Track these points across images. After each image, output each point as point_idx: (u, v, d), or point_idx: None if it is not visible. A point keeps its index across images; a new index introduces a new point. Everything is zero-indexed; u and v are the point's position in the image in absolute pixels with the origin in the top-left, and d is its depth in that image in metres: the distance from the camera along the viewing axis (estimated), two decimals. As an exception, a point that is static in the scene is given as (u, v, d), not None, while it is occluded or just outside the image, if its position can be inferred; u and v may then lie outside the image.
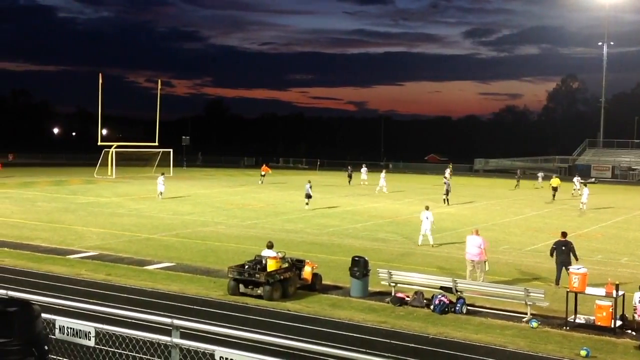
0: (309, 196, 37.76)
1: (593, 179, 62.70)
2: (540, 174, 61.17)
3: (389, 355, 13.14)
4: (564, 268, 18.92)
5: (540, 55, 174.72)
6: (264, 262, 17.87)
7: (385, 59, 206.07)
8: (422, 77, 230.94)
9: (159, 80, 69.78)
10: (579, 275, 16.05)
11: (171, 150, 66.55)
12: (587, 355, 13.43)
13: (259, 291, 17.28)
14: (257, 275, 17.43)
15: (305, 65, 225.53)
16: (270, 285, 17.22)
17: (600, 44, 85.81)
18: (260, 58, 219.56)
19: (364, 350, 13.34)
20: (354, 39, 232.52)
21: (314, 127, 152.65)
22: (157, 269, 20.93)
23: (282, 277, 17.64)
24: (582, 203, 39.11)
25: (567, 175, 69.76)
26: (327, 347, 9.74)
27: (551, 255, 19.79)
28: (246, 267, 17.96)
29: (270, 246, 18.53)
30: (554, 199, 45.61)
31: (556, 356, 13.52)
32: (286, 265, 18.17)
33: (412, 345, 13.99)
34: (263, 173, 57.85)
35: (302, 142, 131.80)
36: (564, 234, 20.21)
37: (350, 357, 9.22)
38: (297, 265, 18.52)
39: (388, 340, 14.21)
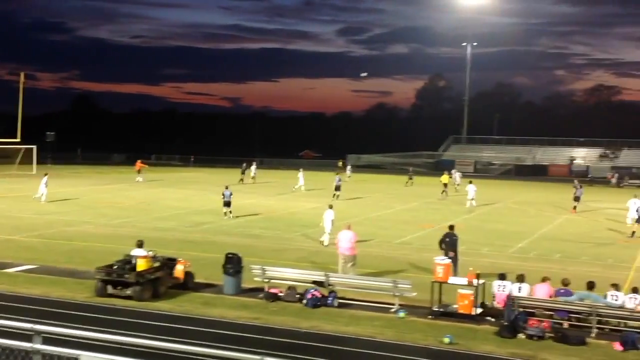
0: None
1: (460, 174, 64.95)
2: (457, 174, 55.72)
3: (262, 351, 13.18)
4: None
5: (410, 54, 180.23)
6: (133, 261, 17.40)
7: (261, 55, 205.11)
8: (297, 74, 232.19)
9: (22, 73, 65.91)
10: (443, 266, 16.79)
11: (35, 147, 63.35)
12: (450, 342, 14.07)
13: (129, 292, 16.81)
14: (126, 276, 16.95)
15: (179, 59, 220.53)
16: (140, 285, 16.80)
17: (464, 44, 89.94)
18: (131, 51, 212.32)
19: (236, 347, 13.30)
20: (228, 34, 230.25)
21: (188, 122, 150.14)
22: (18, 271, 19.86)
23: (152, 276, 17.25)
24: (469, 199, 40.37)
25: (435, 170, 72.32)
26: (199, 347, 9.61)
27: (440, 246, 20.44)
28: (115, 267, 17.42)
29: (140, 245, 18.05)
30: (444, 195, 45.69)
31: (421, 344, 14.07)
32: (157, 264, 17.79)
33: (285, 340, 14.11)
34: (136, 169, 56.27)
35: (176, 138, 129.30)
36: (451, 227, 21.09)
37: (222, 356, 9.16)
38: (169, 264, 18.19)
39: (261, 337, 14.24)
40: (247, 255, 19.77)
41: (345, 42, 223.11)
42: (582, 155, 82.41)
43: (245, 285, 18.15)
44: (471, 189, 40.42)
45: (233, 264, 18.04)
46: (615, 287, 16.39)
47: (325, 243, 25.32)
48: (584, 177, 69.31)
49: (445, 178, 47.19)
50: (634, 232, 30.49)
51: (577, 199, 40.09)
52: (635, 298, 15.78)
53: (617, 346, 14.23)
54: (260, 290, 17.77)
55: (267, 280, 17.88)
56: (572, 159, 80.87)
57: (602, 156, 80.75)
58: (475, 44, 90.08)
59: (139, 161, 58.47)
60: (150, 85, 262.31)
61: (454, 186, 50.63)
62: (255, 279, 18.02)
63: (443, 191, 46.08)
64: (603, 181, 67.02)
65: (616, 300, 15.87)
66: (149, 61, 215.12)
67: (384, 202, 43.01)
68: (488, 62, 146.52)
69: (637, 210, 30.93)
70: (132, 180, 54.00)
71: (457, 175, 53.76)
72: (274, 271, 18.16)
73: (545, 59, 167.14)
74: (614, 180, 64.79)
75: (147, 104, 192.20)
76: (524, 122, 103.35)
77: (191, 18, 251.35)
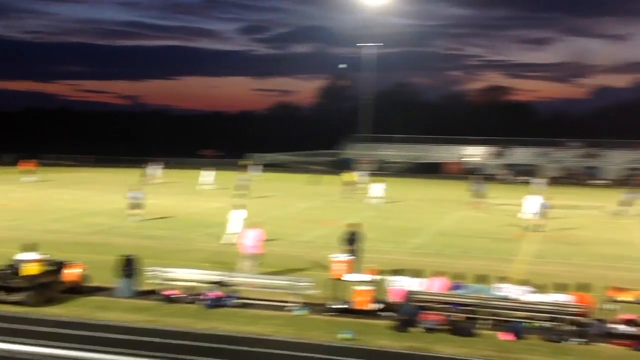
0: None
1: (365, 172, 65.43)
2: (364, 172, 55.72)
3: (158, 354, 12.93)
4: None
5: (312, 53, 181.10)
6: (22, 265, 16.66)
7: (160, 52, 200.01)
8: (198, 72, 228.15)
9: None
10: (341, 263, 17.01)
11: None
12: (349, 338, 14.26)
13: (17, 297, 16.09)
14: (14, 280, 16.23)
15: (75, 56, 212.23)
16: (30, 290, 16.12)
17: (364, 44, 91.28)
18: (24, 47, 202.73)
19: (131, 352, 13.01)
20: (127, 31, 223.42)
21: (85, 121, 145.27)
22: None
23: (43, 280, 16.59)
24: (375, 197, 40.76)
25: (337, 169, 73.10)
26: (91, 353, 9.33)
27: (345, 243, 20.70)
28: (2, 271, 16.64)
29: (30, 248, 17.31)
30: (349, 193, 45.99)
31: (321, 341, 14.18)
32: (49, 267, 17.12)
33: (182, 342, 13.88)
34: (27, 170, 53.94)
35: (72, 137, 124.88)
36: (356, 225, 21.36)
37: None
38: (61, 267, 17.54)
39: (158, 339, 13.97)
40: (146, 257, 19.36)
41: (247, 41, 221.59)
42: (477, 153, 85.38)
43: (142, 287, 17.74)
44: (379, 187, 41.07)
45: (129, 266, 17.61)
46: (506, 279, 17.09)
47: (225, 241, 25.06)
48: (478, 174, 71.99)
49: (349, 176, 47.78)
50: (535, 226, 31.82)
51: (476, 195, 41.69)
52: (524, 290, 16.50)
53: (506, 336, 14.83)
54: (157, 292, 17.41)
55: (164, 282, 17.55)
56: (466, 157, 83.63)
57: (496, 154, 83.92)
58: (377, 44, 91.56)
59: (29, 162, 56.12)
60: (44, 82, 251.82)
61: (359, 185, 51.14)
62: (152, 281, 17.65)
63: (347, 189, 46.59)
64: (494, 178, 69.79)
65: (506, 292, 16.54)
66: (43, 58, 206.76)
67: (286, 201, 43.09)
68: (388, 62, 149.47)
69: (541, 206, 32.19)
70: (25, 181, 51.71)
71: (364, 174, 54.54)
72: (171, 272, 17.83)
73: (442, 59, 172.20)
74: (505, 177, 67.56)
75: (41, 102, 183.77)
76: (422, 121, 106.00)
77: (88, 14, 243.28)
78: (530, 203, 33.84)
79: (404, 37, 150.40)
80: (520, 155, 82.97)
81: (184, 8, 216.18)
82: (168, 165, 64.21)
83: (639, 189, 44.48)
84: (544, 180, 54.05)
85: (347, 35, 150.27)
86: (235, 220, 24.89)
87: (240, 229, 24.27)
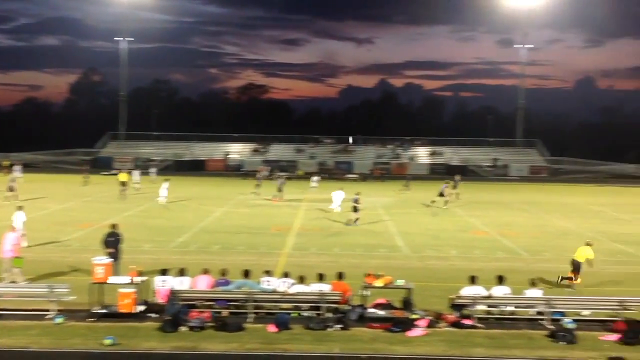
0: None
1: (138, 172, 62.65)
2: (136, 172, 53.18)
3: None
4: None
5: (61, 46, 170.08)
6: None
7: None
8: None
9: None
10: (103, 266, 16.33)
11: None
12: (112, 343, 13.72)
13: None
14: None
15: None
16: None
17: (118, 39, 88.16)
18: None
19: None
20: None
21: None
22: None
23: None
24: (162, 197, 39.25)
25: (94, 168, 69.83)
26: None
27: (105, 245, 19.84)
28: None
29: None
30: (123, 194, 43.74)
31: (81, 349, 13.51)
32: None
33: None
34: None
35: None
36: (114, 225, 20.59)
37: None
38: None
39: None
40: None
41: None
42: (237, 150, 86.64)
43: None
44: (164, 186, 39.95)
45: None
46: (268, 273, 17.56)
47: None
48: (238, 170, 73.62)
49: (123, 176, 45.68)
50: (356, 219, 32.90)
51: (279, 189, 43.77)
52: (287, 282, 17.08)
53: (272, 328, 15.24)
54: None
55: None
56: (227, 154, 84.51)
57: (255, 151, 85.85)
58: (131, 39, 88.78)
59: None
60: None
61: (135, 185, 49.22)
62: None
63: (122, 190, 44.49)
64: (253, 174, 71.40)
65: (269, 285, 17.00)
66: None
67: (38, 203, 40.20)
68: (144, 58, 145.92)
69: (355, 201, 33.17)
70: None
71: (135, 172, 52.65)
72: None
73: (200, 57, 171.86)
74: (265, 173, 69.45)
75: None
76: (181, 118, 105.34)
77: None
78: (337, 197, 36.64)
79: (160, 32, 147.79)
80: (279, 151, 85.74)
81: None
82: None
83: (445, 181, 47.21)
84: (318, 177, 56.81)
85: (98, 29, 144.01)
86: (19, 222, 23.55)
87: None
